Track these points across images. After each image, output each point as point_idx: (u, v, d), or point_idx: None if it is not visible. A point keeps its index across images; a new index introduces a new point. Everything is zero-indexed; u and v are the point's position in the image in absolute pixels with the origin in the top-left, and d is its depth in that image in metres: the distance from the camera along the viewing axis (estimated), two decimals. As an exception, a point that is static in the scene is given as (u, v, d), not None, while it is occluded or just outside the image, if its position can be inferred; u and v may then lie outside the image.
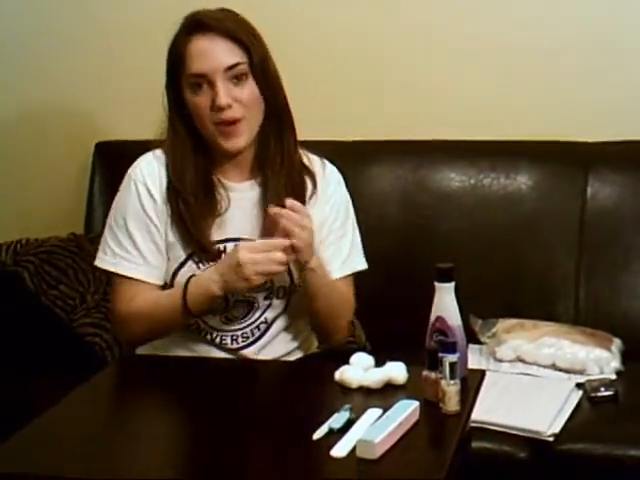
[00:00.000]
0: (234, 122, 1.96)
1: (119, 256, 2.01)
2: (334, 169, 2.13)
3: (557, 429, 2.08)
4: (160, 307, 1.98)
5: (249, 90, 1.97)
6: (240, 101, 1.96)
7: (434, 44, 2.76)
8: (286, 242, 1.88)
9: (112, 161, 2.76)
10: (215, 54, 1.95)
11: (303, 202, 2.01)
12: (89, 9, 2.91)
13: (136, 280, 2.00)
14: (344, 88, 2.81)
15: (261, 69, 1.98)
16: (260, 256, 1.86)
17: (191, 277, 1.97)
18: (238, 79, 1.96)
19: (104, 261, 2.04)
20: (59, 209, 2.97)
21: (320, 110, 2.72)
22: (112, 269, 2.02)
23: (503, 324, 2.43)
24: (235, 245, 1.96)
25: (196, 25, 1.97)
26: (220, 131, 1.97)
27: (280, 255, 1.87)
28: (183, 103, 1.99)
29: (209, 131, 1.98)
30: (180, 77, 1.98)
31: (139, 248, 2.00)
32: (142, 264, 2.00)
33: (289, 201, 1.92)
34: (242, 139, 1.98)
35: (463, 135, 2.68)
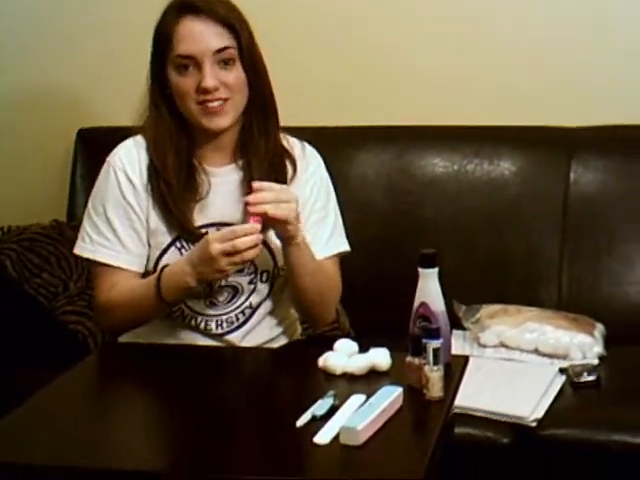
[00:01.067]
0: (219, 101, 1.95)
1: (98, 243, 2.00)
2: (314, 151, 2.13)
3: (540, 414, 2.08)
4: (136, 296, 1.97)
5: (236, 74, 1.96)
6: (226, 84, 1.95)
7: (418, 30, 2.76)
8: (257, 226, 1.85)
9: (94, 148, 2.73)
10: (205, 37, 1.94)
11: (283, 184, 2.00)
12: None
13: (115, 268, 1.99)
14: (328, 74, 2.80)
15: (249, 54, 1.97)
16: (231, 245, 1.83)
17: (164, 267, 1.95)
18: (225, 63, 1.95)
19: (83, 249, 2.02)
20: (41, 196, 2.95)
21: (304, 96, 2.72)
22: (91, 256, 2.01)
23: (487, 310, 2.44)
24: (208, 233, 1.93)
25: (186, 7, 1.96)
26: (203, 110, 1.96)
27: (251, 239, 1.83)
28: (167, 83, 1.98)
29: (192, 111, 1.96)
30: (166, 57, 1.97)
31: (118, 235, 1.99)
32: (121, 251, 1.99)
33: (255, 184, 1.89)
34: (225, 119, 1.97)
35: (447, 121, 2.68)
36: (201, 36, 1.94)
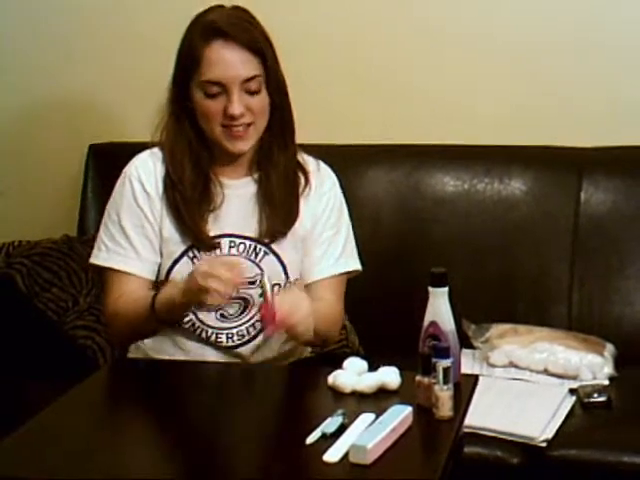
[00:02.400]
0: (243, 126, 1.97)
1: (111, 250, 2.02)
2: (329, 170, 2.14)
3: (550, 435, 2.07)
4: (139, 309, 1.96)
5: (261, 99, 1.99)
6: (251, 109, 1.97)
7: (429, 48, 2.76)
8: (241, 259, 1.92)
9: (106, 163, 2.75)
10: (234, 64, 1.95)
11: (297, 198, 2.04)
12: (87, 13, 2.91)
13: (126, 275, 2.01)
14: (339, 92, 2.81)
15: (275, 79, 2.00)
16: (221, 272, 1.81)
17: (155, 295, 1.94)
18: (252, 90, 1.97)
19: (97, 257, 2.04)
20: (52, 211, 2.96)
21: (315, 114, 2.71)
22: (105, 264, 2.03)
23: (496, 329, 2.43)
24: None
25: (215, 31, 1.96)
26: (227, 134, 1.98)
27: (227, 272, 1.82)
28: (189, 97, 1.99)
29: (215, 133, 1.99)
30: (192, 78, 1.98)
31: (131, 242, 2.01)
32: (133, 257, 2.01)
33: (281, 314, 1.82)
34: (248, 143, 2.00)
35: (457, 139, 2.68)
36: (230, 63, 1.95)
